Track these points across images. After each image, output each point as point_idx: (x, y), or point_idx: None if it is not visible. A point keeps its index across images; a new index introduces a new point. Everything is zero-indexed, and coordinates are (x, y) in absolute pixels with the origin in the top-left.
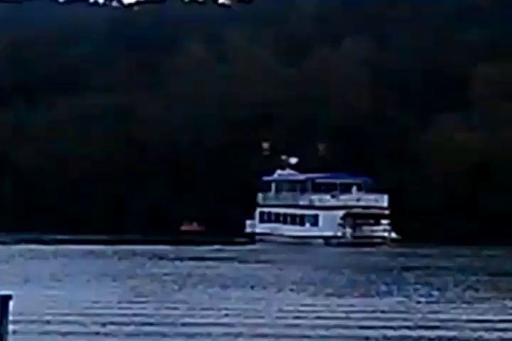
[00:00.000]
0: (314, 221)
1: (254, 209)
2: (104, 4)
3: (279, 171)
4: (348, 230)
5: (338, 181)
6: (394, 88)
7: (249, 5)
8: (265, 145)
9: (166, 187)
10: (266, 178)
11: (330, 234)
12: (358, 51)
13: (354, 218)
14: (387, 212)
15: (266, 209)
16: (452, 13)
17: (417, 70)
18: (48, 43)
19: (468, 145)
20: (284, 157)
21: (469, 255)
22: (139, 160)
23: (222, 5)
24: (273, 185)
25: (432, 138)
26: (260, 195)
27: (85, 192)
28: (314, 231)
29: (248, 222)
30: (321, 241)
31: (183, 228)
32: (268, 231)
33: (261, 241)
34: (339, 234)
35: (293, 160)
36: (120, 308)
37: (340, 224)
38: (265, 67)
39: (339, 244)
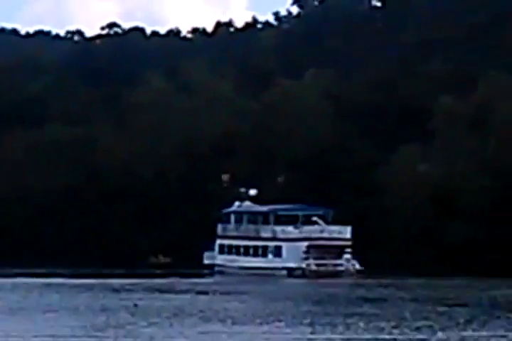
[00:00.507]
0: (277, 252)
1: (214, 241)
2: (65, 37)
3: (237, 203)
4: (312, 261)
5: (300, 213)
6: (356, 119)
7: (210, 38)
8: (225, 177)
9: (129, 219)
10: (225, 210)
11: (293, 265)
12: (320, 83)
13: (317, 250)
14: (350, 243)
15: (226, 241)
16: (415, 45)
17: (380, 102)
18: (9, 75)
19: (428, 177)
20: (242, 189)
21: (429, 285)
22: (100, 191)
23: (184, 38)
24: (232, 217)
25: (393, 170)
26: (220, 227)
27: (47, 225)
28: (277, 263)
29: (206, 254)
30: (284, 272)
31: (151, 260)
32: (228, 262)
33: (220, 272)
34: (303, 265)
35: (252, 192)
36: None
37: (303, 256)
38: (226, 99)
39: (302, 276)
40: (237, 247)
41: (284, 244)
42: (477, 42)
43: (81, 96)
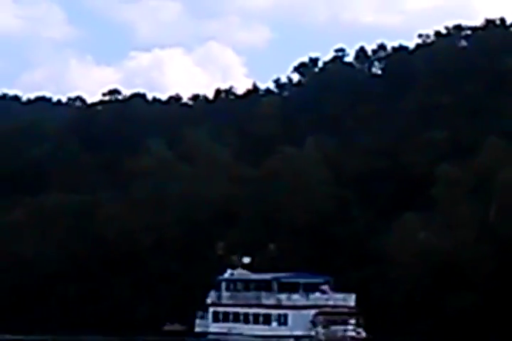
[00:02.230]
0: (283, 320)
1: (204, 309)
2: (67, 103)
3: (229, 271)
4: (320, 329)
5: (302, 281)
6: (357, 187)
7: (211, 104)
8: (219, 244)
9: (129, 286)
10: (219, 278)
11: (301, 333)
12: (320, 150)
13: (325, 317)
14: (355, 311)
15: (221, 309)
16: (415, 112)
17: (379, 169)
18: (11, 142)
19: (428, 244)
20: (234, 257)
21: None
22: (101, 258)
23: (185, 104)
24: (227, 284)
25: (394, 238)
26: (213, 294)
27: (48, 292)
28: (283, 331)
29: (198, 322)
30: (291, 340)
31: (166, 328)
32: (225, 330)
33: (216, 340)
34: (312, 333)
35: (246, 260)
36: None
37: (311, 323)
38: (227, 167)
39: None
40: (236, 315)
41: (290, 312)
42: (476, 110)
43: (82, 162)
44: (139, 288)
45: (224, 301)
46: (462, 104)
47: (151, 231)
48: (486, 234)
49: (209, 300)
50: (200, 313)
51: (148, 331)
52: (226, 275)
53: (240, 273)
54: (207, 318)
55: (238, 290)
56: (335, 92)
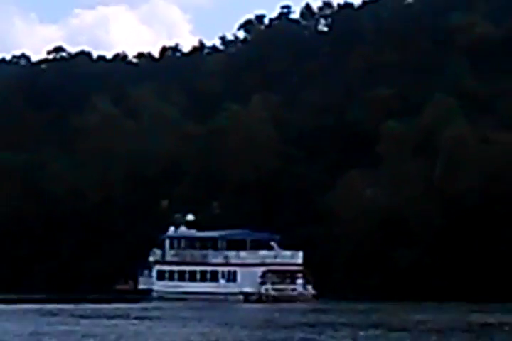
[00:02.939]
0: (231, 277)
1: (146, 267)
2: (11, 61)
3: (172, 228)
4: (269, 286)
5: (249, 238)
6: (303, 144)
7: (157, 62)
8: (164, 202)
9: (74, 245)
10: (164, 235)
11: (250, 290)
12: (266, 107)
13: (274, 274)
14: (302, 268)
15: (166, 267)
16: (361, 69)
17: (326, 126)
18: None
19: (375, 201)
20: (177, 214)
21: (372, 310)
22: (47, 216)
23: (130, 62)
24: (172, 242)
25: (340, 195)
26: (157, 252)
27: None
28: (232, 288)
29: (142, 279)
30: (239, 297)
31: (118, 287)
32: (169, 289)
33: (161, 298)
34: (262, 290)
35: (189, 218)
36: None
37: (260, 281)
38: (173, 124)
39: (258, 301)
40: (181, 273)
41: (238, 269)
42: (422, 67)
43: (27, 120)
44: (86, 246)
45: (169, 259)
46: (409, 62)
47: (98, 189)
48: (431, 190)
49: (153, 258)
50: (141, 271)
51: (98, 289)
52: (169, 233)
53: (183, 230)
54: (151, 276)
55: (183, 248)
56: (281, 49)
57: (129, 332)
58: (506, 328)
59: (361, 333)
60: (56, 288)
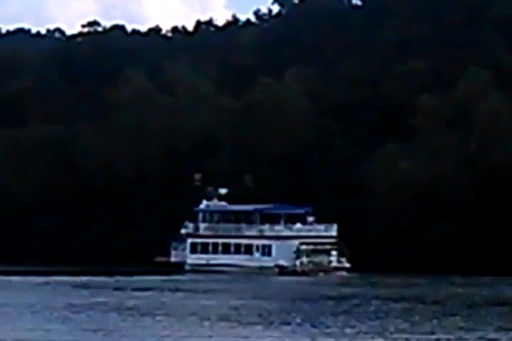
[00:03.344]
0: (266, 251)
1: (181, 239)
2: (46, 35)
3: (205, 202)
4: (304, 259)
5: (283, 212)
6: (337, 117)
7: (191, 36)
8: (197, 176)
9: (108, 218)
10: (197, 208)
11: (285, 263)
12: (301, 81)
13: (309, 247)
14: (336, 241)
15: (199, 240)
16: (395, 43)
17: (360, 99)
18: None
19: (409, 174)
20: (210, 188)
21: (410, 283)
22: (80, 190)
23: (164, 36)
24: (207, 216)
25: (374, 168)
26: (190, 225)
27: (25, 223)
28: (267, 261)
29: (174, 252)
30: (275, 270)
31: (158, 259)
32: (203, 261)
33: (194, 271)
34: (296, 263)
35: (222, 191)
36: None
37: (295, 254)
38: (208, 98)
39: (292, 273)
40: (215, 245)
41: (273, 242)
42: (456, 41)
43: (61, 94)
44: (120, 220)
45: (202, 232)
46: (443, 35)
47: (131, 163)
48: (465, 164)
49: (184, 231)
50: (174, 244)
51: (134, 262)
52: (202, 206)
53: (215, 204)
54: (184, 249)
55: (216, 222)
56: (315, 23)
57: (161, 305)
58: None
59: (391, 306)
60: (89, 261)
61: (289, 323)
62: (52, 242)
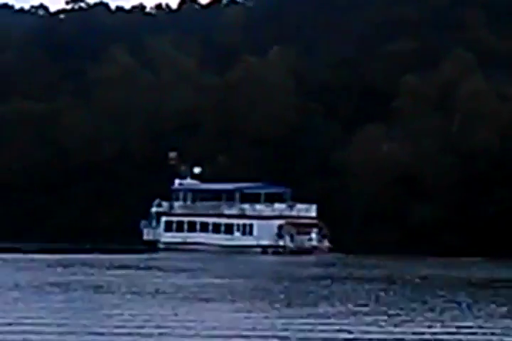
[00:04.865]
0: (248, 230)
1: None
2: (29, 11)
3: (177, 181)
4: (287, 239)
5: (262, 191)
6: (320, 98)
7: (175, 14)
8: (172, 154)
9: (91, 196)
10: (173, 187)
11: (267, 243)
12: (284, 60)
13: (291, 227)
14: (316, 221)
15: (174, 218)
16: (379, 23)
17: (343, 80)
18: None
19: (391, 156)
20: (183, 167)
21: (388, 264)
22: (63, 167)
23: (149, 14)
24: (182, 194)
25: (356, 149)
26: (164, 204)
27: (8, 201)
28: (248, 240)
29: (145, 230)
30: (257, 249)
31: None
32: (180, 240)
33: (169, 249)
34: (280, 243)
35: (196, 170)
36: None
37: (278, 234)
38: (190, 76)
39: (275, 253)
40: (192, 224)
41: (255, 222)
42: (440, 23)
43: (45, 71)
44: (101, 198)
45: (177, 211)
46: (427, 16)
47: (114, 141)
48: (448, 146)
49: (155, 209)
50: (143, 222)
51: (124, 240)
52: (176, 185)
53: (189, 183)
54: (157, 227)
55: (193, 200)
56: (299, 2)
57: (132, 283)
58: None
59: (366, 286)
60: (72, 238)
61: (254, 302)
62: (33, 219)
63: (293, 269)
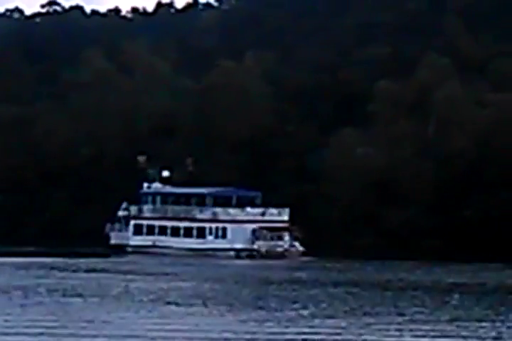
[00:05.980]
0: (221, 234)
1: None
2: (4, 15)
3: (146, 184)
4: (261, 243)
5: (235, 195)
6: (296, 102)
7: (151, 18)
8: (141, 158)
9: (67, 200)
10: (143, 190)
11: (241, 246)
12: (260, 65)
13: (264, 231)
14: (288, 225)
15: (144, 222)
16: (356, 28)
17: (320, 85)
18: None
19: (367, 160)
20: (151, 170)
21: (361, 268)
22: (39, 171)
23: (124, 17)
24: (152, 197)
25: (332, 153)
26: (133, 208)
27: None
28: (222, 244)
29: (113, 234)
30: (230, 253)
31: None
32: (149, 243)
33: (137, 253)
34: (254, 246)
35: (165, 174)
36: None
37: (252, 237)
38: (166, 80)
39: (249, 257)
40: (162, 228)
41: (229, 225)
42: (416, 27)
43: (20, 74)
44: (77, 201)
45: (146, 214)
46: (403, 21)
47: (90, 144)
48: (424, 150)
49: (122, 213)
50: (109, 226)
51: (93, 243)
52: (144, 188)
53: (157, 186)
54: (126, 231)
55: (163, 204)
56: (276, 7)
57: (98, 286)
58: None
59: (335, 290)
60: (48, 242)
61: (218, 305)
62: (10, 222)
63: (262, 273)
